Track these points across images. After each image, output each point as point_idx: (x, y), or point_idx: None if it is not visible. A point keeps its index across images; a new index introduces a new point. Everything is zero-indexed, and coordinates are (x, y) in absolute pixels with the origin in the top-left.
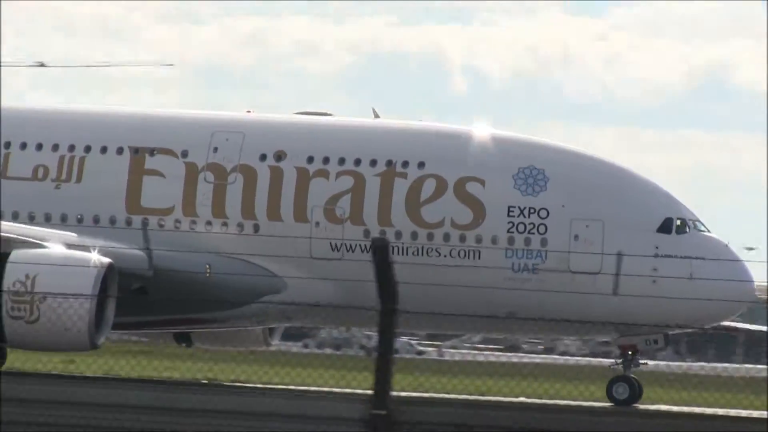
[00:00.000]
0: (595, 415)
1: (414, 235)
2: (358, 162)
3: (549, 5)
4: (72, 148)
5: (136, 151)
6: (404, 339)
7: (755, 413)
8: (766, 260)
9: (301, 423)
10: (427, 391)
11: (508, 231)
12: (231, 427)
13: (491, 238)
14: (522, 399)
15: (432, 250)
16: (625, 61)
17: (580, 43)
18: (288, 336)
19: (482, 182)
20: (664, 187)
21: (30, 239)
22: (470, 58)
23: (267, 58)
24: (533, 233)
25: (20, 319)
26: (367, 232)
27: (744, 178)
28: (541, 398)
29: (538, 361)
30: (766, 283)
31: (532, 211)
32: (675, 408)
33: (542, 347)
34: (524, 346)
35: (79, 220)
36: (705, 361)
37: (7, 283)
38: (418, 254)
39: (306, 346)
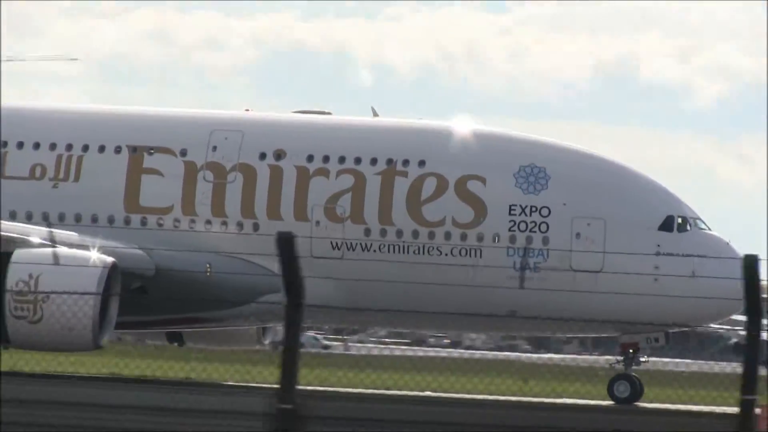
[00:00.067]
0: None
1: (415, 234)
2: (358, 161)
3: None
4: (69, 147)
5: (134, 150)
6: (310, 333)
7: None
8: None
9: (205, 418)
10: (333, 386)
11: (510, 229)
12: (134, 422)
13: (492, 237)
14: (428, 393)
15: (433, 248)
16: (530, 55)
17: (485, 37)
18: None
19: (483, 180)
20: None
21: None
22: (376, 52)
23: (172, 53)
24: (534, 232)
25: (23, 319)
26: (368, 231)
27: (648, 171)
28: (447, 392)
29: (443, 355)
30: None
31: (533, 209)
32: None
33: (447, 341)
34: (430, 340)
35: (77, 220)
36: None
37: (11, 282)
38: (419, 253)
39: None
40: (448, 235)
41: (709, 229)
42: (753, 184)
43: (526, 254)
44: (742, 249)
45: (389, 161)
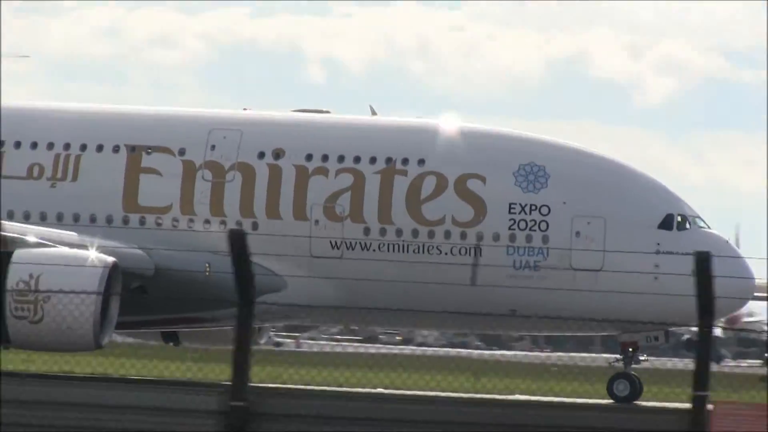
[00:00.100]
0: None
1: (415, 233)
2: (357, 159)
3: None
4: (67, 146)
5: (132, 149)
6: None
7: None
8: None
9: (157, 416)
10: (285, 383)
11: (510, 228)
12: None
13: (492, 236)
14: (380, 390)
15: (433, 247)
16: (483, 52)
17: (436, 33)
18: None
19: (483, 179)
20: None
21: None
22: (327, 48)
23: (124, 50)
24: (534, 230)
25: (24, 319)
26: (367, 230)
27: None
28: (399, 389)
29: (394, 351)
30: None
31: (533, 208)
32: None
33: (400, 338)
34: (382, 337)
35: (75, 219)
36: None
37: (11, 282)
38: (419, 252)
39: None
40: (447, 234)
41: (709, 227)
42: (703, 179)
43: (478, 252)
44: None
45: (388, 160)
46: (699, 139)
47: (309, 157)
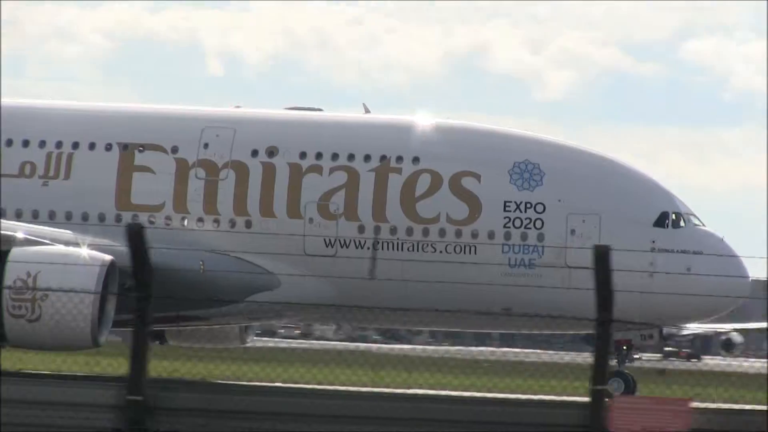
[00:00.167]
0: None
1: (409, 231)
2: (351, 157)
3: None
4: (59, 144)
5: (125, 147)
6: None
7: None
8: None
9: (54, 410)
10: (183, 376)
11: (505, 226)
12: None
13: (487, 234)
14: (278, 384)
15: (427, 245)
16: (382, 45)
17: (335, 26)
18: None
19: (478, 177)
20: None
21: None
22: (226, 42)
23: (21, 44)
24: (530, 228)
25: (21, 318)
26: (361, 228)
27: None
28: (296, 383)
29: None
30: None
31: (528, 205)
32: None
33: (298, 332)
34: (280, 331)
35: (68, 218)
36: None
37: (8, 281)
38: (413, 250)
39: None
40: (442, 232)
41: (703, 225)
42: None
43: (375, 246)
44: None
45: (383, 158)
46: (597, 132)
47: (303, 155)
